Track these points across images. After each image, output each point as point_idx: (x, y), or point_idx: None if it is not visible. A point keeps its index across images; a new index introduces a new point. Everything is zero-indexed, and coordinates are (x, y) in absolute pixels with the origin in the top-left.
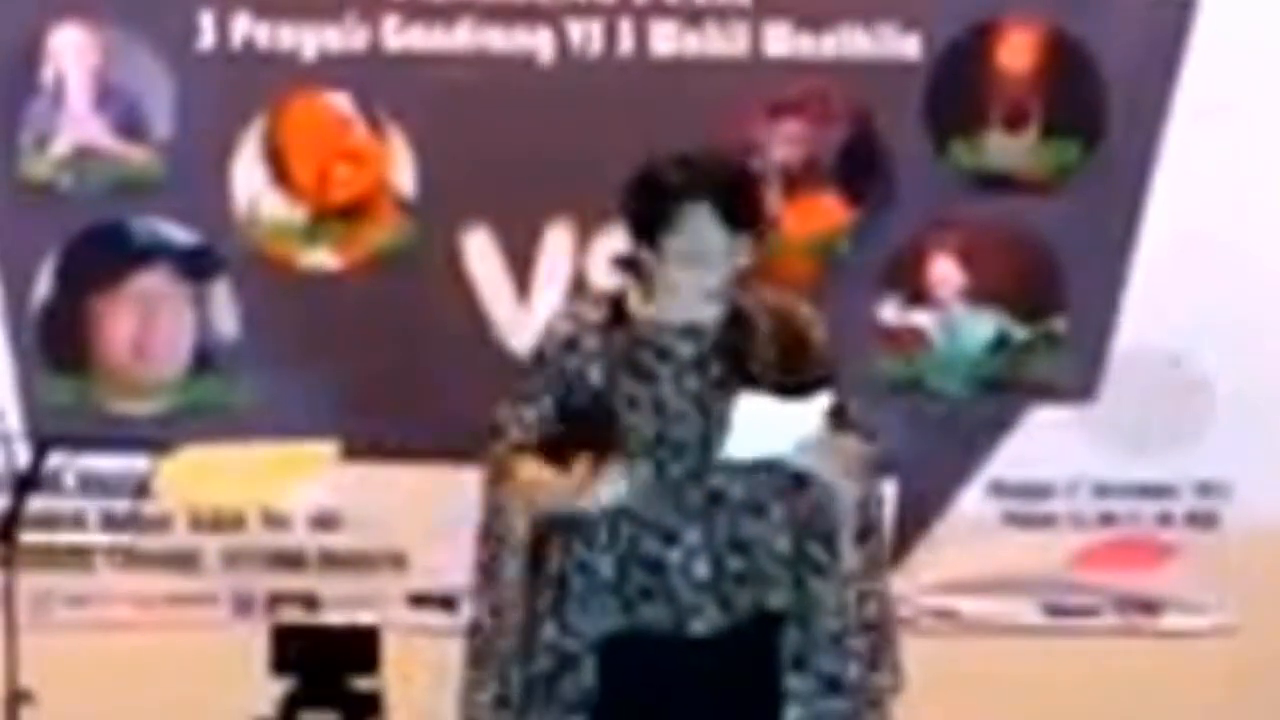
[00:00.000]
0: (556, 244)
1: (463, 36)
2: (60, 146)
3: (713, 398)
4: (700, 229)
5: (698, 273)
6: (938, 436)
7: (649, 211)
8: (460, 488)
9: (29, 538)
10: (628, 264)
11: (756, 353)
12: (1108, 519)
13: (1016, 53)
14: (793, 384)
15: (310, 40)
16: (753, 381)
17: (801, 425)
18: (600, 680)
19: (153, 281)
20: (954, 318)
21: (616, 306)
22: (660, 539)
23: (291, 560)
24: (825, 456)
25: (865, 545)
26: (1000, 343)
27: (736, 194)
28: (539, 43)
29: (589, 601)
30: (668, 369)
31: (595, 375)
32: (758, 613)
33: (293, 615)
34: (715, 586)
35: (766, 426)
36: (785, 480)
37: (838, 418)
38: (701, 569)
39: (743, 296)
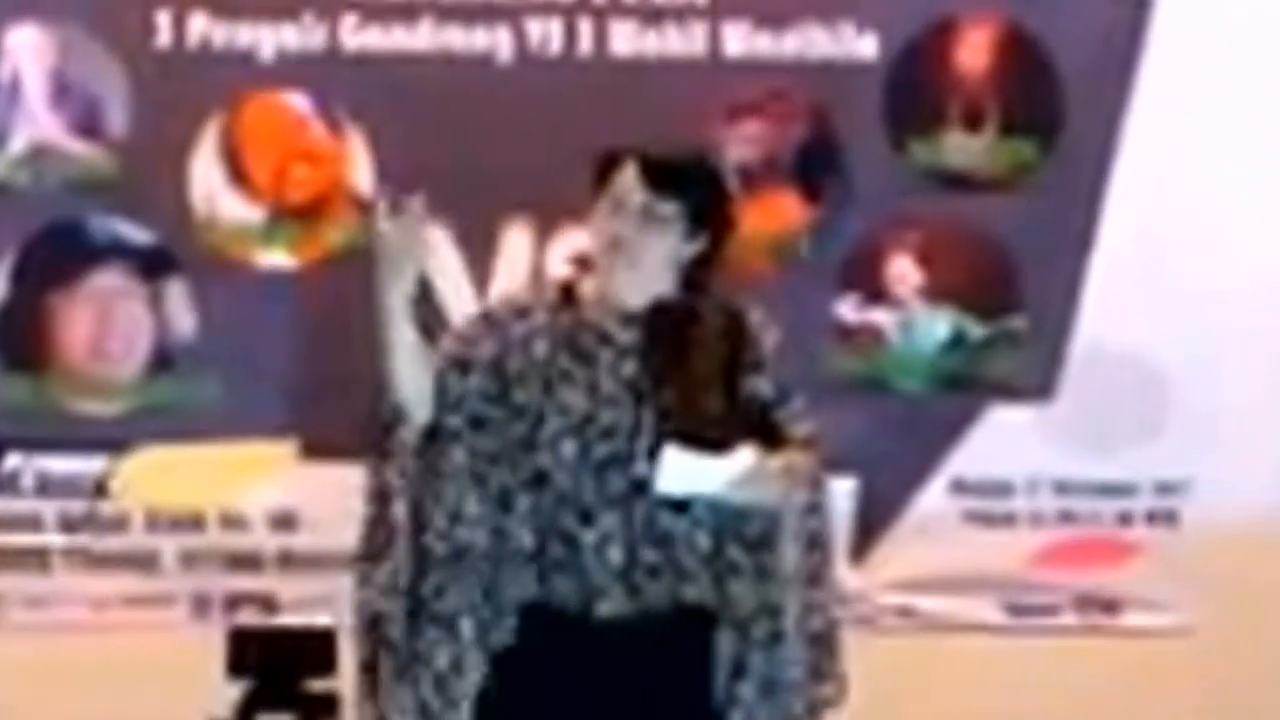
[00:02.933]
0: (515, 243)
1: (421, 36)
2: (17, 145)
3: (648, 387)
4: (622, 182)
5: (612, 223)
6: (897, 435)
7: (596, 180)
8: None
9: None
10: (585, 264)
11: (701, 346)
12: (1068, 517)
13: (974, 52)
14: (722, 423)
15: (267, 40)
16: (689, 374)
17: (726, 474)
18: (511, 652)
19: (110, 281)
20: (912, 316)
21: (567, 291)
22: (578, 517)
23: (249, 561)
24: (761, 485)
25: (809, 556)
26: (958, 341)
27: (666, 162)
28: (498, 42)
29: (506, 568)
30: (607, 353)
31: (539, 348)
32: (673, 605)
33: (251, 616)
34: (626, 575)
35: (692, 474)
36: None
37: (771, 437)
38: (615, 555)
39: (694, 294)
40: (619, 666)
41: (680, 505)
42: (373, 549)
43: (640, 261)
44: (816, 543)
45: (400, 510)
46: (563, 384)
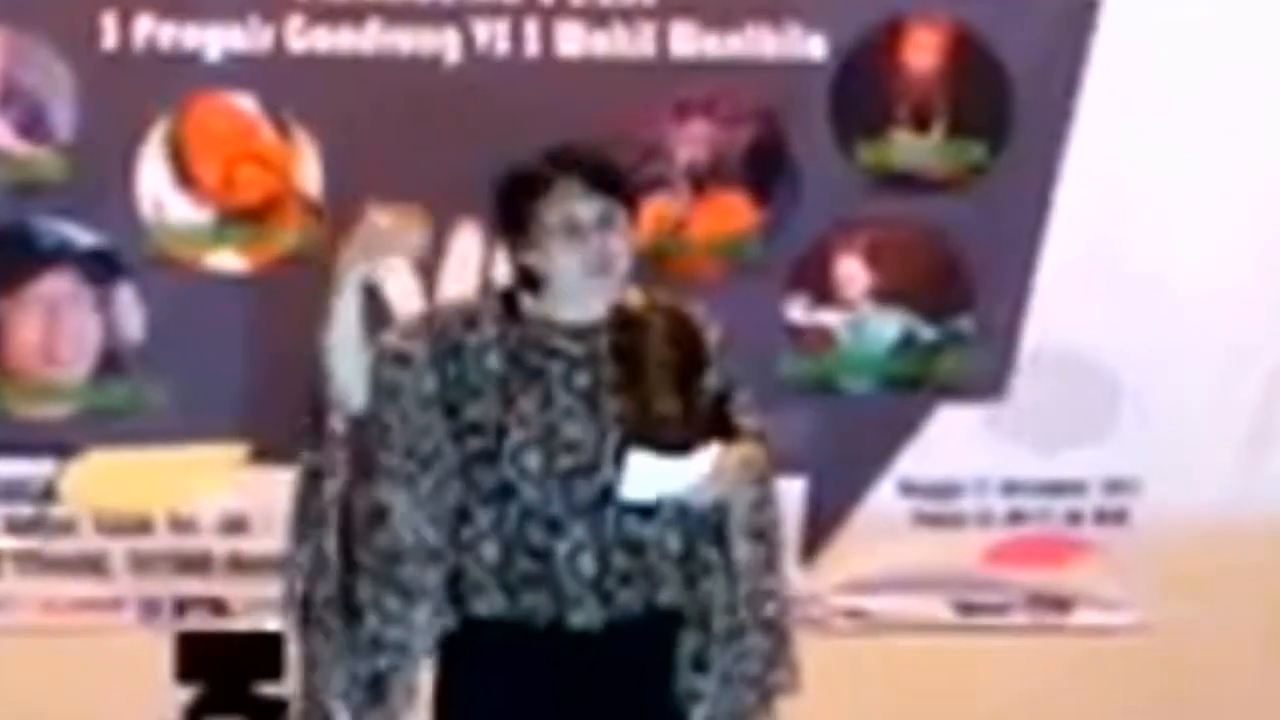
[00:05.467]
0: (464, 245)
1: (368, 37)
2: None
3: (604, 397)
4: (571, 199)
5: (579, 248)
6: (846, 436)
7: (522, 202)
8: None
9: None
10: (531, 280)
11: (651, 352)
12: (1017, 517)
13: (922, 52)
14: (685, 422)
15: (214, 41)
16: (643, 380)
17: (692, 473)
18: (477, 666)
19: (57, 284)
20: (861, 317)
21: (508, 301)
22: (547, 529)
23: (199, 564)
24: (719, 483)
25: (761, 546)
26: (908, 342)
27: (601, 164)
28: (445, 43)
29: (465, 582)
30: (557, 366)
31: (494, 360)
32: (646, 610)
33: (200, 620)
34: (599, 583)
35: (657, 476)
36: None
37: (724, 431)
38: (588, 565)
39: (634, 298)
40: (591, 675)
41: (647, 510)
42: (304, 531)
43: (622, 272)
44: (768, 533)
45: (331, 492)
46: (520, 397)
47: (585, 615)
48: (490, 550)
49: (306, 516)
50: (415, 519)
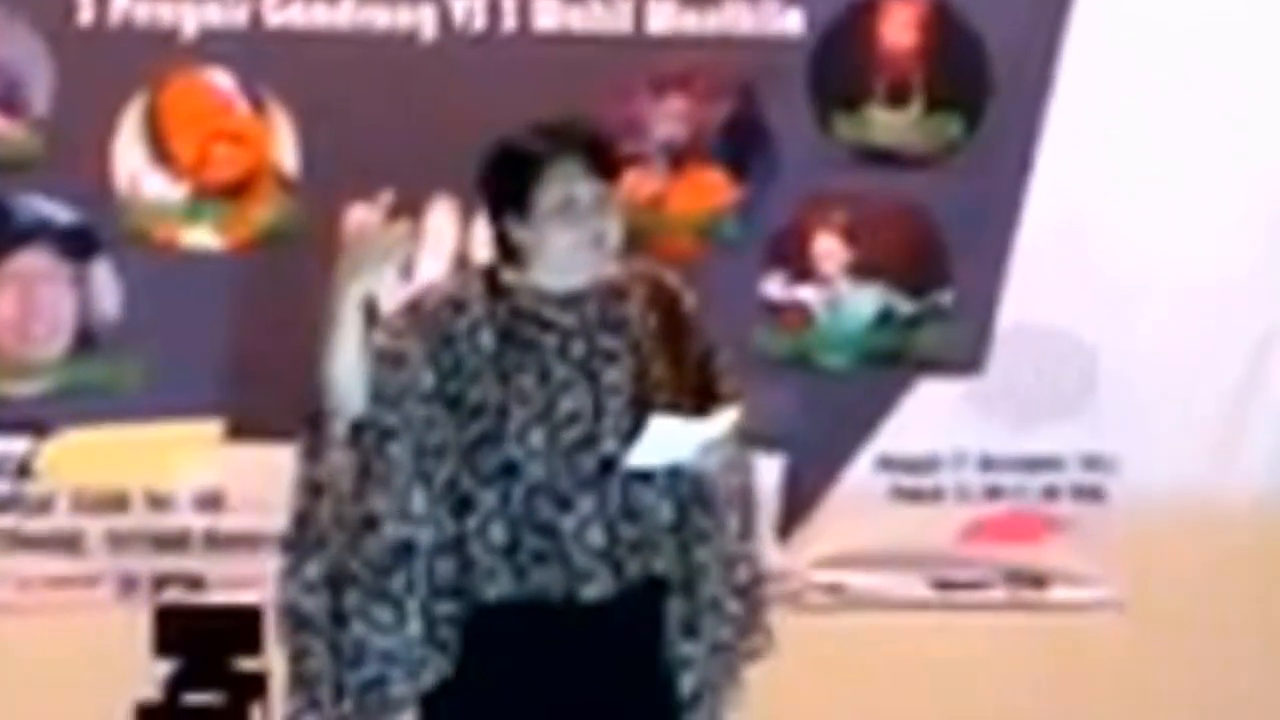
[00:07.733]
0: (440, 221)
1: (344, 13)
2: None
3: (600, 366)
4: (570, 181)
5: (574, 228)
6: (825, 412)
7: (517, 179)
8: None
9: None
10: (513, 255)
11: (634, 321)
12: (994, 492)
13: (899, 27)
14: (694, 391)
15: (190, 17)
16: (638, 352)
17: (709, 436)
18: (485, 646)
19: (33, 261)
20: (839, 293)
21: (491, 278)
22: (555, 504)
23: (176, 541)
24: (723, 447)
25: (737, 510)
26: (885, 317)
27: (597, 144)
28: (421, 19)
29: (474, 567)
30: (551, 338)
31: (486, 339)
32: (645, 578)
33: (178, 596)
34: (609, 554)
35: (673, 441)
36: None
37: (712, 393)
38: (597, 536)
39: (611, 268)
40: (599, 646)
41: (645, 477)
42: (301, 543)
43: (613, 249)
44: (742, 498)
45: (329, 505)
46: (517, 374)
47: (598, 587)
48: (498, 531)
49: (304, 533)
50: (436, 514)
